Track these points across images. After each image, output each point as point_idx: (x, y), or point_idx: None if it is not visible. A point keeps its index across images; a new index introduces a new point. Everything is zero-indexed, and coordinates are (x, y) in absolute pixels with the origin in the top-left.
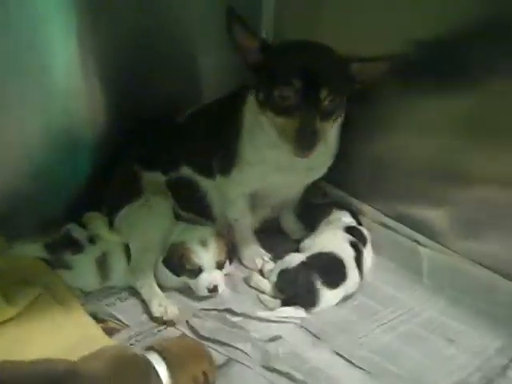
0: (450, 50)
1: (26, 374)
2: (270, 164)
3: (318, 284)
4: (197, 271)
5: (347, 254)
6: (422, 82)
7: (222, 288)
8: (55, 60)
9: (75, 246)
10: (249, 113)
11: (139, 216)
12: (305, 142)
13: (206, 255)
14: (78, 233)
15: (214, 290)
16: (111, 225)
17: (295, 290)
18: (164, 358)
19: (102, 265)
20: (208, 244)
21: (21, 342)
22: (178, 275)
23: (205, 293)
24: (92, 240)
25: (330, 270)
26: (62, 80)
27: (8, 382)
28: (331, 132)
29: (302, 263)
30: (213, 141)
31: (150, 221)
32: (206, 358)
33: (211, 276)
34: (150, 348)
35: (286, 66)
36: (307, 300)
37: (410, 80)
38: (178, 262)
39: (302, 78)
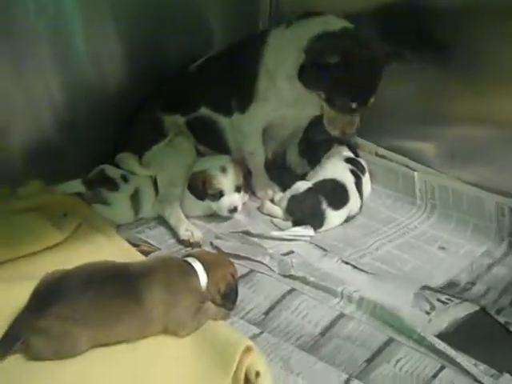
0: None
1: (80, 268)
2: (284, 100)
3: (324, 205)
4: (218, 195)
5: (348, 180)
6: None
7: (240, 208)
8: (74, 18)
9: (111, 184)
10: (270, 55)
11: (165, 154)
12: (348, 133)
13: (225, 180)
14: (112, 172)
15: (234, 210)
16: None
17: (304, 211)
18: (200, 261)
19: (135, 200)
20: (227, 170)
21: (68, 262)
22: (202, 199)
23: (226, 213)
24: (125, 179)
25: (334, 193)
26: (82, 36)
27: (72, 273)
28: None
29: (309, 189)
30: (232, 82)
31: (174, 158)
32: (232, 264)
33: (231, 198)
34: (188, 255)
35: (350, 89)
36: (315, 220)
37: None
38: (201, 188)
39: (359, 102)
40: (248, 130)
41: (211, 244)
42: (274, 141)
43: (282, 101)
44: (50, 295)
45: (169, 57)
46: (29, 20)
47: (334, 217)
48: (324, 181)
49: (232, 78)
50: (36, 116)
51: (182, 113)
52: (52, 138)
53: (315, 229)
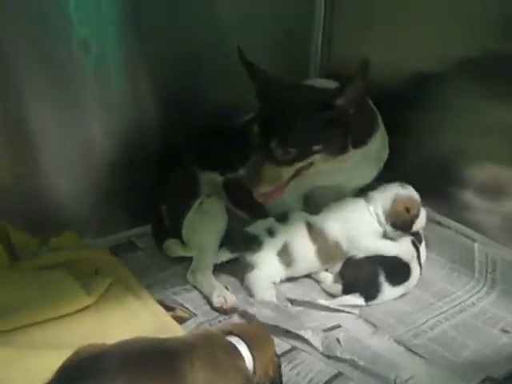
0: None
1: (115, 347)
2: (317, 175)
3: (382, 279)
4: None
5: (411, 256)
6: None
7: None
8: (110, 73)
9: (253, 243)
10: None
11: (195, 222)
12: (248, 179)
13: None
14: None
15: None
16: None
17: (357, 279)
18: (243, 341)
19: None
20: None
21: (100, 329)
22: (409, 229)
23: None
24: (271, 232)
25: (395, 269)
26: (116, 89)
27: (107, 352)
28: (371, 148)
29: (367, 257)
30: None
31: (204, 226)
32: (273, 340)
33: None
34: (229, 331)
35: (258, 109)
36: (368, 291)
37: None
38: (408, 216)
39: (259, 125)
40: (287, 197)
41: (246, 313)
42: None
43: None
44: (81, 374)
45: (212, 109)
46: (72, 65)
47: (390, 292)
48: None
49: None
50: (73, 164)
51: (221, 171)
52: (87, 191)
53: (366, 300)
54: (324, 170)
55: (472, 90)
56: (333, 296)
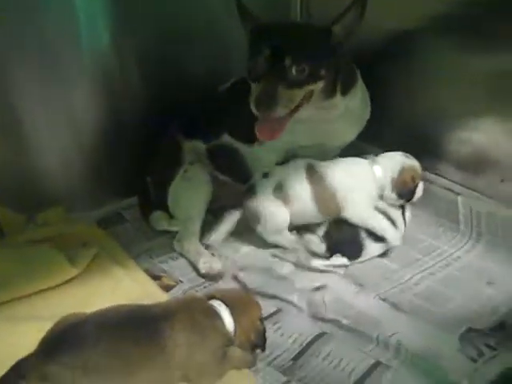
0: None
1: (97, 314)
2: (299, 131)
3: (363, 235)
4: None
5: (393, 210)
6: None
7: None
8: (94, 46)
9: None
10: None
11: (180, 190)
12: (261, 103)
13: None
14: None
15: None
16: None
17: (341, 238)
18: (226, 305)
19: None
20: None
21: (85, 299)
22: (412, 198)
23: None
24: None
25: None
26: (102, 62)
27: (88, 319)
28: (352, 101)
29: None
30: None
31: (189, 194)
32: (258, 305)
33: None
34: (212, 296)
35: (261, 39)
36: (352, 249)
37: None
38: (413, 184)
39: (270, 47)
40: (267, 161)
41: (235, 277)
42: None
43: (296, 132)
44: (62, 342)
45: (194, 77)
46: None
47: (372, 248)
48: None
49: None
50: (58, 140)
51: (205, 139)
52: (74, 165)
53: (351, 259)
54: (311, 117)
55: (451, 45)
56: (319, 257)
